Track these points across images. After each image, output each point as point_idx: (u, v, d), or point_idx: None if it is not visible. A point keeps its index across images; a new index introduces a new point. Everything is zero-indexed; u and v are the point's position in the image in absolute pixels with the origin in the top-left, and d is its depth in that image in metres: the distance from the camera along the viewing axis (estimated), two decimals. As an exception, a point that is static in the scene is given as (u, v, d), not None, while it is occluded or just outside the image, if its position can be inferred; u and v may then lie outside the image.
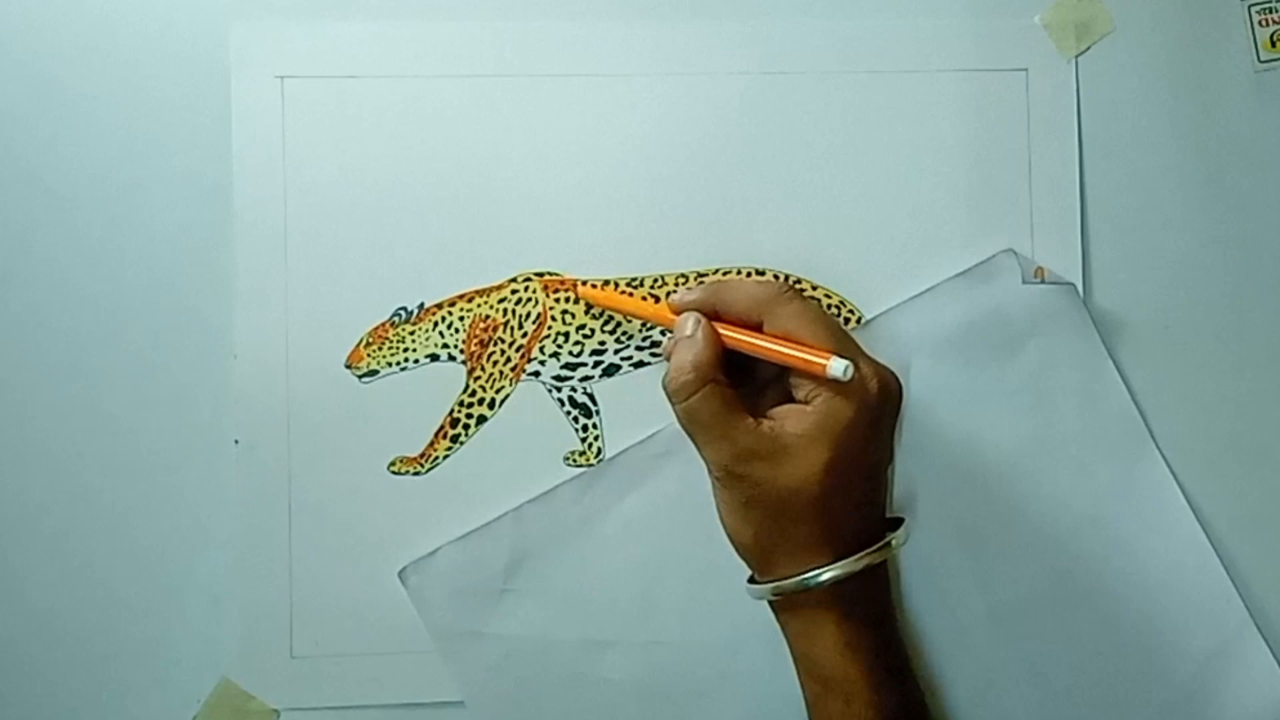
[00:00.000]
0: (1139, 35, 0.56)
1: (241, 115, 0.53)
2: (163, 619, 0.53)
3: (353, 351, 0.53)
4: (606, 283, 0.54)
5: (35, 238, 0.53)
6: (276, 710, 0.53)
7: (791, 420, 0.45)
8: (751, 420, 0.46)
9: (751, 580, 0.48)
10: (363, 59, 0.54)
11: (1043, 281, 0.54)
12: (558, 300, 0.54)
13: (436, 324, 0.54)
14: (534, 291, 0.54)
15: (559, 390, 0.54)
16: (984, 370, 0.54)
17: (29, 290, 0.53)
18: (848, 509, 0.46)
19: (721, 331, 0.48)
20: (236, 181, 0.53)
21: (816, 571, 0.45)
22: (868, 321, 0.54)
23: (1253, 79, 0.56)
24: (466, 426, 0.54)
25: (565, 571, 0.53)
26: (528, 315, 0.54)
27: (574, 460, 0.54)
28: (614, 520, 0.54)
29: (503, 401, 0.54)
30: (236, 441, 0.53)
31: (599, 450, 0.54)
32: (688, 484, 0.52)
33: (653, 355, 0.54)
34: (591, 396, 0.54)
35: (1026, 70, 0.55)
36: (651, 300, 0.54)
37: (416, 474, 0.54)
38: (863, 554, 0.46)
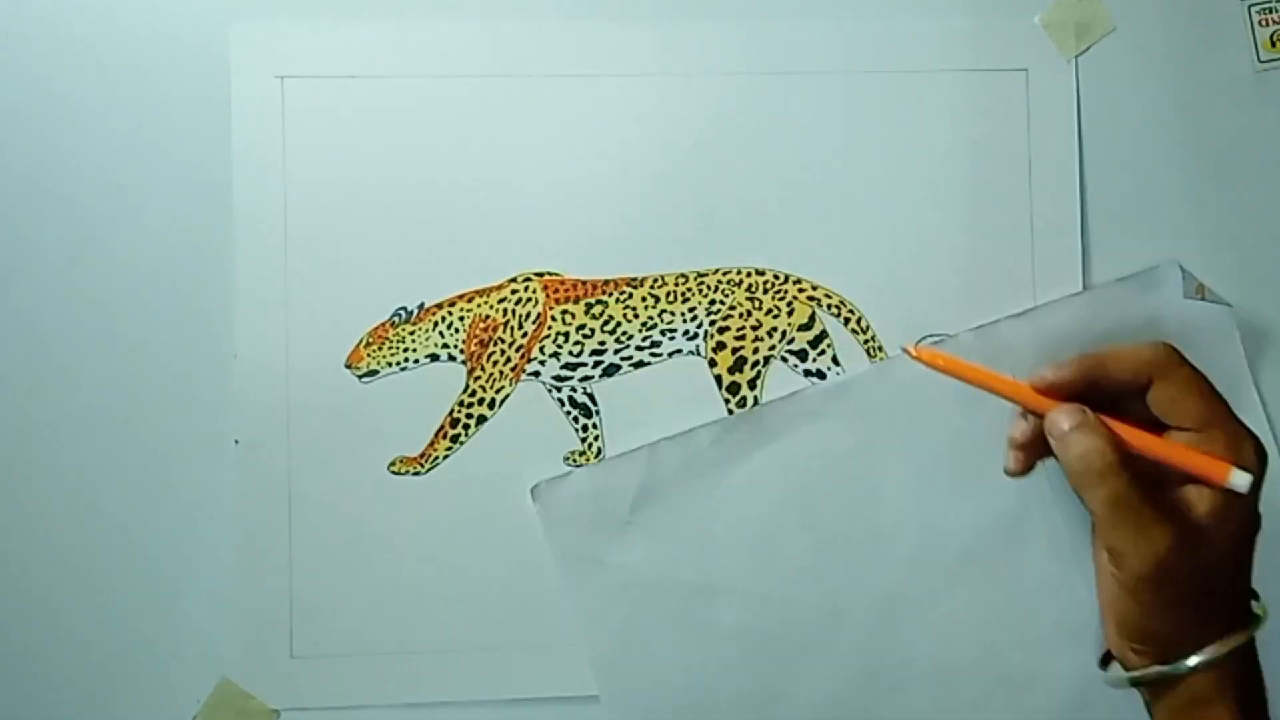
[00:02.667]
0: (1139, 35, 0.56)
1: (241, 115, 0.53)
2: (163, 619, 0.53)
3: (353, 351, 0.53)
4: (607, 282, 0.54)
5: (35, 238, 0.53)
6: (276, 710, 0.53)
7: (1199, 501, 0.44)
8: (1168, 505, 0.44)
9: (1105, 663, 0.47)
10: (363, 59, 0.54)
11: (1203, 299, 0.54)
12: (558, 301, 0.54)
13: (436, 324, 0.54)
14: (534, 291, 0.54)
15: (559, 390, 0.54)
16: None
17: (29, 290, 0.53)
18: (1240, 584, 0.45)
19: (1121, 433, 0.44)
20: (236, 181, 0.53)
21: (1203, 651, 0.44)
22: (1020, 315, 0.54)
23: (1253, 79, 0.56)
24: (466, 426, 0.54)
25: (689, 513, 0.54)
26: (528, 315, 0.54)
27: (574, 460, 0.54)
28: (745, 470, 0.54)
29: (503, 401, 0.54)
30: (236, 441, 0.53)
31: (599, 450, 0.54)
32: (820, 449, 0.53)
33: (653, 355, 0.54)
34: (591, 396, 0.54)
35: (1026, 70, 0.55)
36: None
37: (416, 474, 0.54)
38: (1247, 628, 0.44)
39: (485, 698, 0.54)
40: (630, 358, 0.54)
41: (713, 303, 0.54)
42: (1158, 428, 0.45)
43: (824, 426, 0.54)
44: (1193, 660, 0.44)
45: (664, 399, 0.54)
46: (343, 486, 0.53)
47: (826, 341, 0.55)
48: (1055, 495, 0.53)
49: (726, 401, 0.54)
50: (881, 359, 0.55)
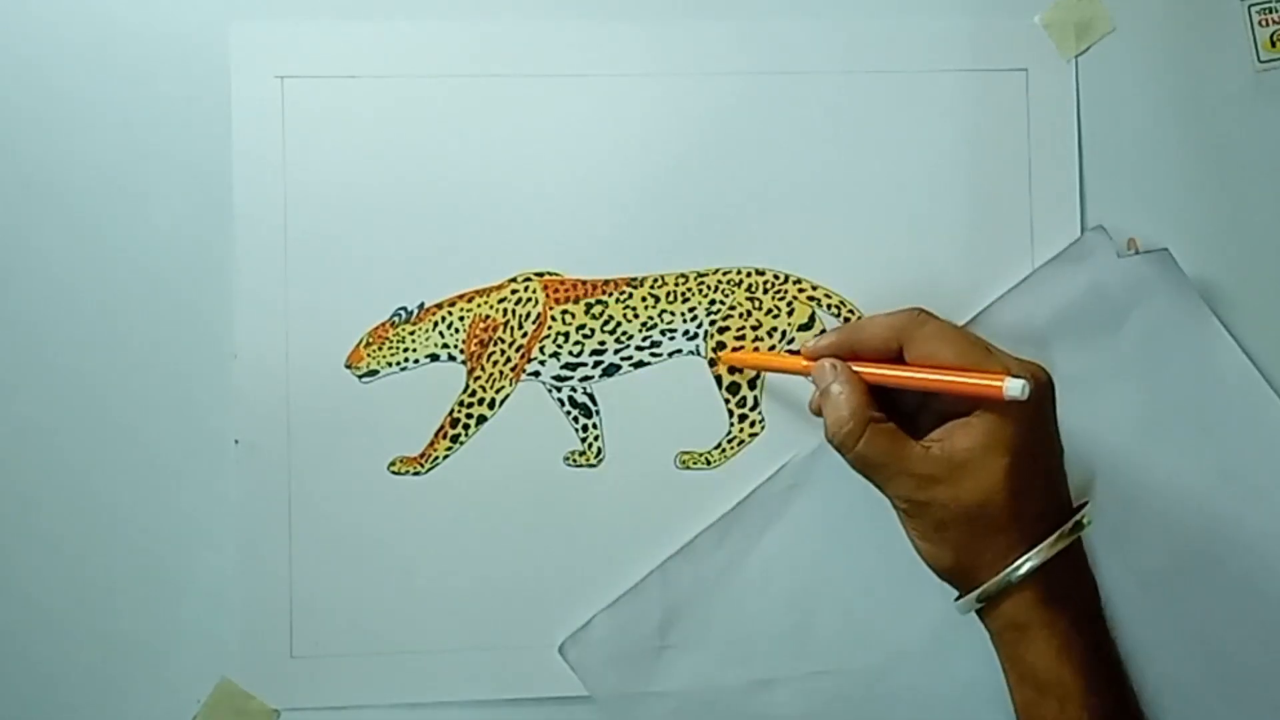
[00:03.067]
0: (1139, 35, 0.56)
1: (241, 115, 0.53)
2: (163, 619, 0.53)
3: (353, 351, 0.53)
4: (607, 282, 0.54)
5: (35, 238, 0.53)
6: (276, 710, 0.53)
7: (959, 436, 0.46)
8: (920, 448, 0.46)
9: (958, 598, 0.48)
10: (363, 59, 0.54)
11: (1137, 252, 0.55)
12: (558, 301, 0.54)
13: (436, 324, 0.54)
14: (534, 291, 0.54)
15: (559, 390, 0.54)
16: (1092, 348, 0.54)
17: (29, 290, 0.53)
18: (1036, 507, 0.46)
19: (875, 371, 0.48)
20: (236, 181, 0.53)
21: (1014, 566, 0.46)
22: (970, 321, 0.54)
23: (1253, 79, 0.56)
24: (466, 426, 0.54)
25: (718, 618, 0.54)
26: (528, 315, 0.54)
27: (574, 460, 0.54)
28: (757, 560, 0.54)
29: (503, 401, 0.54)
30: (236, 441, 0.53)
31: (599, 450, 0.54)
32: (822, 512, 0.54)
33: (653, 355, 0.54)
34: (591, 396, 0.54)
35: (1026, 70, 0.55)
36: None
37: (416, 474, 0.54)
38: (1054, 538, 0.46)
39: (485, 698, 0.54)
40: (630, 358, 0.54)
41: (713, 303, 0.54)
42: None
43: (817, 493, 0.54)
44: (994, 582, 0.46)
45: (664, 399, 0.54)
46: (343, 486, 0.53)
47: (826, 341, 0.55)
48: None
49: (726, 401, 0.54)
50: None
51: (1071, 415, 0.53)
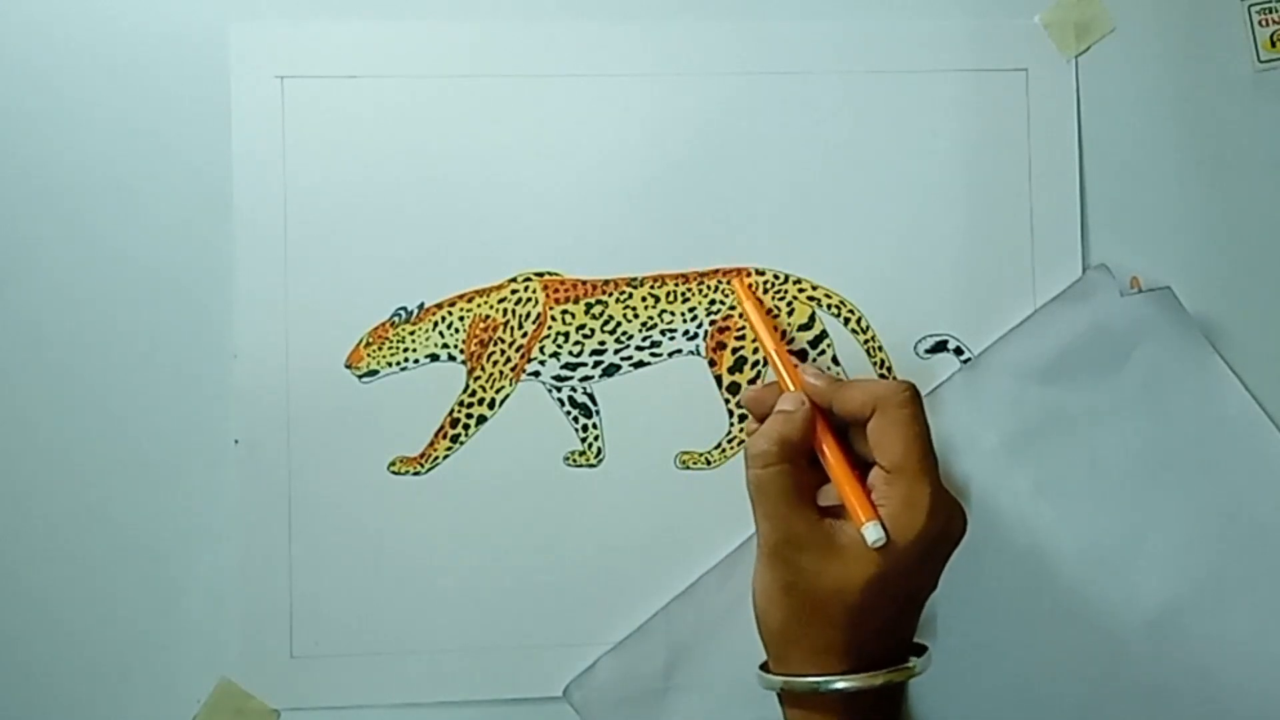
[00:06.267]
0: (1139, 35, 0.56)
1: (241, 115, 0.53)
2: (163, 619, 0.53)
3: (353, 351, 0.53)
4: (607, 282, 0.54)
5: (35, 238, 0.53)
6: (276, 710, 0.53)
7: (852, 526, 0.45)
8: (814, 513, 0.46)
9: (764, 668, 0.48)
10: (362, 59, 0.54)
11: (1139, 291, 0.55)
12: (558, 301, 0.54)
13: (436, 324, 0.54)
14: (534, 291, 0.54)
15: (559, 390, 0.54)
16: (1095, 388, 0.54)
17: (29, 290, 0.53)
18: (878, 626, 0.46)
19: (819, 429, 0.48)
20: (236, 181, 0.53)
21: (832, 678, 0.45)
22: (974, 359, 0.54)
23: (1253, 79, 0.56)
24: (466, 426, 0.54)
25: (723, 658, 0.54)
26: (527, 315, 0.54)
27: (574, 460, 0.54)
28: None
29: (503, 401, 0.54)
30: (236, 441, 0.53)
31: (599, 450, 0.54)
32: None
33: (653, 355, 0.54)
34: (591, 396, 0.54)
35: (1026, 70, 0.55)
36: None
37: (416, 474, 0.54)
38: (884, 672, 0.45)
39: (485, 698, 0.54)
40: (630, 358, 0.54)
41: (713, 303, 0.54)
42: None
43: None
44: (809, 681, 0.45)
45: (664, 399, 0.54)
46: (343, 486, 0.53)
47: (826, 341, 0.55)
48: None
49: (726, 401, 0.54)
50: (881, 358, 0.55)
51: (1074, 454, 0.53)
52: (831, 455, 0.48)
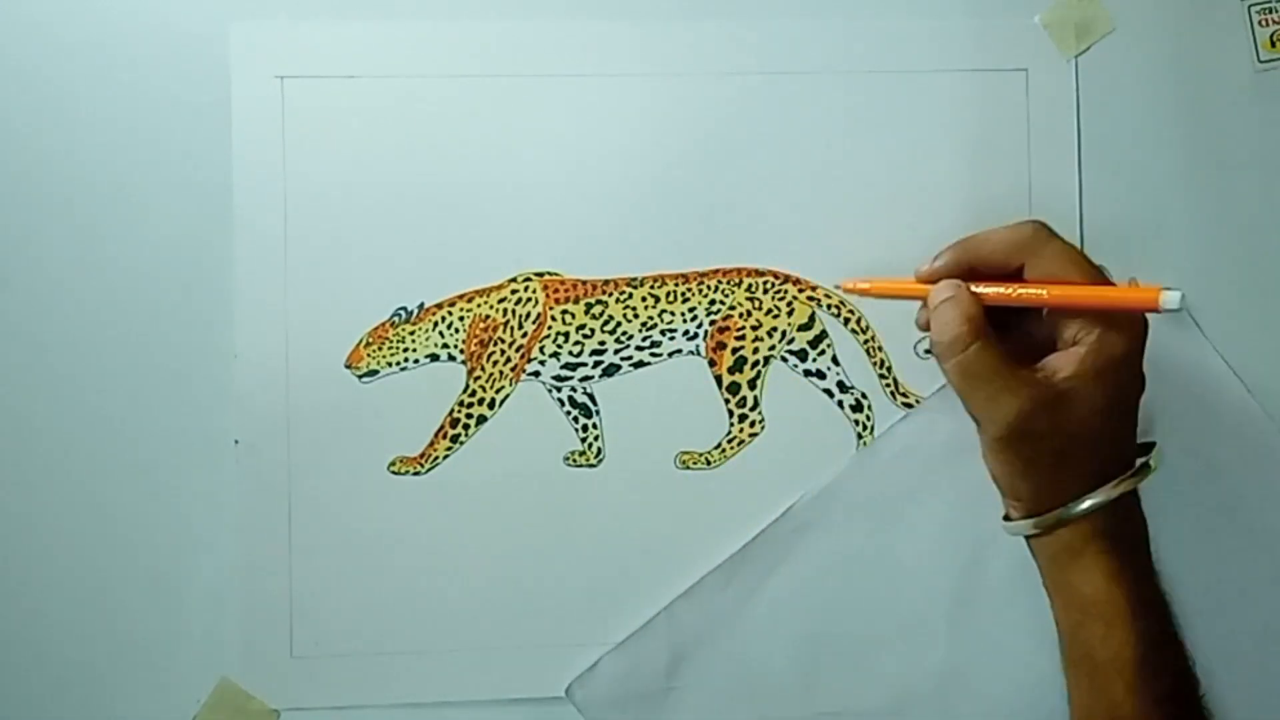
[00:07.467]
0: (1139, 35, 0.56)
1: (241, 115, 0.53)
2: (163, 619, 0.53)
3: (353, 351, 0.53)
4: (607, 282, 0.54)
5: (35, 238, 0.53)
6: (276, 710, 0.53)
7: (1064, 366, 0.46)
8: (1029, 371, 0.46)
9: (1006, 517, 0.48)
10: (362, 59, 0.54)
11: None
12: (558, 301, 0.54)
13: (436, 324, 0.54)
14: (534, 291, 0.54)
15: (559, 390, 0.54)
16: None
17: (29, 290, 0.53)
18: (1116, 442, 0.47)
19: (997, 291, 0.47)
20: (236, 182, 0.53)
21: (1079, 502, 0.46)
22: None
23: (1253, 79, 0.56)
24: (466, 426, 0.54)
25: (725, 659, 0.54)
26: (527, 315, 0.54)
27: (574, 460, 0.54)
28: (764, 601, 0.54)
29: (503, 401, 0.54)
30: (236, 441, 0.53)
31: (599, 450, 0.54)
32: (829, 554, 0.54)
33: (653, 355, 0.54)
34: (591, 396, 0.54)
35: (1026, 70, 0.55)
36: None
37: (416, 474, 0.54)
38: (1120, 480, 0.46)
39: (485, 698, 0.54)
40: (630, 358, 0.54)
41: (713, 303, 0.54)
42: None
43: (824, 534, 0.54)
44: (1056, 514, 0.46)
45: (664, 399, 0.54)
46: (343, 486, 0.53)
47: (826, 341, 0.55)
48: None
49: (726, 401, 0.54)
50: (881, 358, 0.55)
51: None
52: (1061, 286, 0.46)
